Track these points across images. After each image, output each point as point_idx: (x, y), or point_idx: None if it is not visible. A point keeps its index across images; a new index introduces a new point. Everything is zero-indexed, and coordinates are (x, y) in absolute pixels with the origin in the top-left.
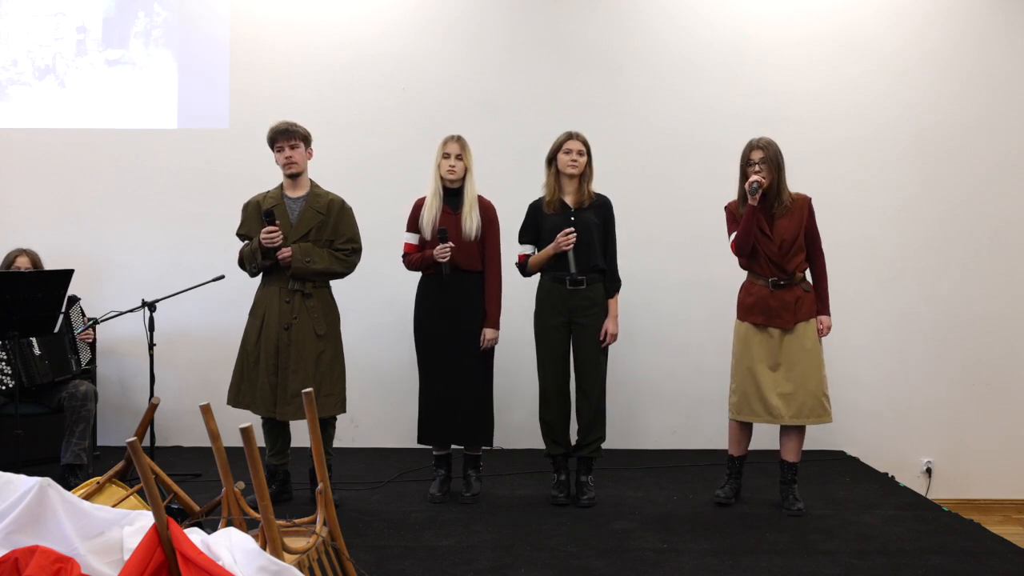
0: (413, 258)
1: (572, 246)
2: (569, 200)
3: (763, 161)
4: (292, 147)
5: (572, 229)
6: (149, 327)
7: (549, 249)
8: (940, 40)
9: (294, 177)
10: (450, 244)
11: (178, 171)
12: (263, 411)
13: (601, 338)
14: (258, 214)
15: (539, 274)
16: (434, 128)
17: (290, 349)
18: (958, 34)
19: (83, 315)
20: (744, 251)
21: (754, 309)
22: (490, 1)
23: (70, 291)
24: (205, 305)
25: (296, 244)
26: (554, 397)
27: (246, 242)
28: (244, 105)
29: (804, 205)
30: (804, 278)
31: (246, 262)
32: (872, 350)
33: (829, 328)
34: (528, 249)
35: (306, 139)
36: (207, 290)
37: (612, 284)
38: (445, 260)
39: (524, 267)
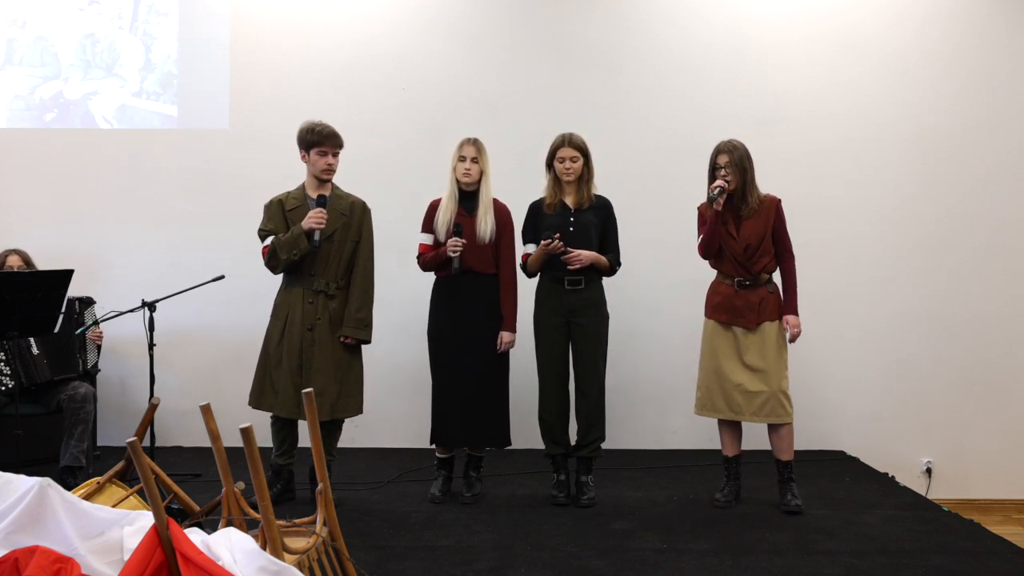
0: (427, 258)
1: (562, 250)
2: (569, 201)
3: (728, 165)
4: (335, 155)
5: (557, 235)
6: (149, 327)
7: (539, 251)
8: (940, 40)
9: (325, 182)
10: (463, 241)
11: (178, 171)
12: (285, 412)
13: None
14: (282, 212)
15: (539, 274)
16: (434, 128)
17: (313, 350)
18: (958, 34)
19: (96, 317)
20: (709, 254)
21: (720, 308)
22: (490, 1)
23: (84, 293)
24: (205, 305)
25: (349, 328)
26: (553, 397)
27: (273, 237)
28: (244, 105)
29: (772, 207)
30: (770, 279)
31: (283, 250)
32: (872, 350)
33: (798, 327)
34: (531, 248)
35: (342, 147)
36: (207, 290)
37: (613, 264)
38: (456, 255)
39: (526, 267)
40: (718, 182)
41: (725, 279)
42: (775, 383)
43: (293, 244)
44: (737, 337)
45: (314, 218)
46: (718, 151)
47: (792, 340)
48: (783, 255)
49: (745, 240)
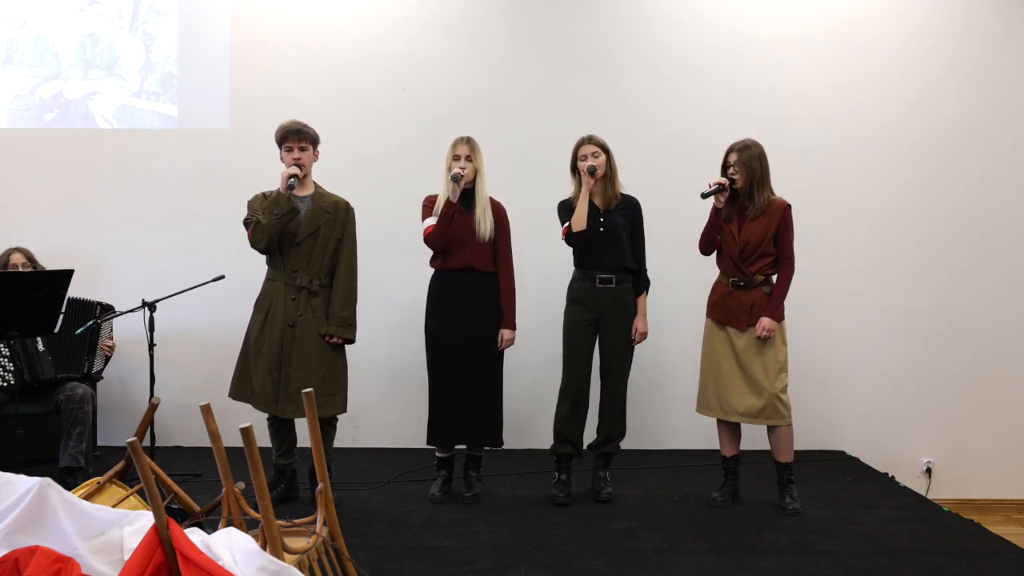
0: (435, 225)
1: (598, 171)
2: (597, 201)
3: (737, 164)
4: (301, 148)
5: (594, 164)
6: (149, 327)
7: (583, 191)
8: (940, 40)
9: (305, 178)
10: (464, 173)
11: (178, 171)
12: (262, 407)
13: (632, 336)
14: (263, 201)
15: (571, 271)
16: (434, 128)
17: (294, 346)
18: (958, 34)
19: (111, 327)
20: (704, 249)
21: (715, 307)
22: (490, 1)
23: (83, 293)
24: (205, 305)
25: (335, 327)
26: (576, 395)
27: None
28: (244, 105)
29: (779, 211)
30: (767, 281)
31: (265, 214)
32: (872, 350)
33: (765, 330)
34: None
35: (314, 141)
36: (207, 290)
37: (641, 283)
38: (461, 177)
39: (571, 235)
40: (718, 179)
41: (723, 279)
42: (768, 385)
43: (274, 203)
44: (731, 337)
45: (289, 170)
46: (730, 149)
47: (758, 338)
48: (781, 261)
49: (744, 240)
